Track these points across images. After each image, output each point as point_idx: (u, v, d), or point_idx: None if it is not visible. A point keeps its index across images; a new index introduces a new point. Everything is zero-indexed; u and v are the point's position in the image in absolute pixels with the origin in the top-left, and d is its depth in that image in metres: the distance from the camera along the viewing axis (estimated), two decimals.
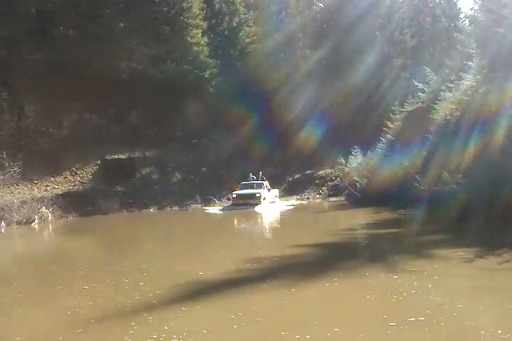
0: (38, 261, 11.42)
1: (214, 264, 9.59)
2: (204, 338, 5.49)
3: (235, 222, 18.87)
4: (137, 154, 26.37)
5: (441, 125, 16.40)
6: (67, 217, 21.39)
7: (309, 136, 25.86)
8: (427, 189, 14.47)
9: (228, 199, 24.61)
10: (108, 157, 25.81)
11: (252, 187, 23.32)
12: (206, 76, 29.30)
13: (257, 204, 21.96)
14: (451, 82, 17.45)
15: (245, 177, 24.73)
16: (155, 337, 5.51)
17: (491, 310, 5.86)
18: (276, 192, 24.60)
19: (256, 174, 25.04)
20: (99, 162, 25.65)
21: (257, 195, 22.51)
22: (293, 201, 24.40)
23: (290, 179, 26.52)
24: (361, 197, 18.77)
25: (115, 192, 23.78)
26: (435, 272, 7.61)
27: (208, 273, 8.60)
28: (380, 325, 5.46)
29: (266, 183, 23.85)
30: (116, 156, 26.05)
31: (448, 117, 16.42)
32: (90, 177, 25.00)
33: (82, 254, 12.34)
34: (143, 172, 25.74)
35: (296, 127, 26.09)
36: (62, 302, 7.25)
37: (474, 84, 16.23)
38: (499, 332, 5.06)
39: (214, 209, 22.71)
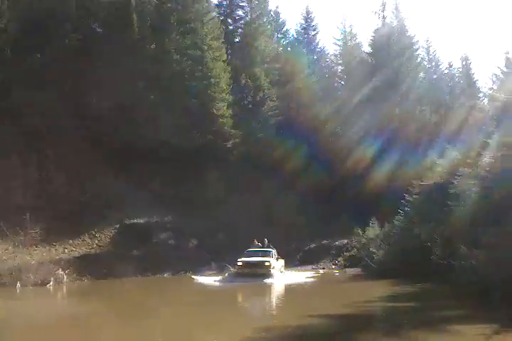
0: (52, 324, 11.42)
1: (229, 331, 9.55)
2: None
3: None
4: (155, 219, 26.74)
5: (460, 199, 16.48)
6: (82, 279, 21.37)
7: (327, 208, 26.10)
8: (445, 263, 14.31)
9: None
10: (127, 221, 26.19)
11: (259, 255, 21.05)
12: (228, 146, 30.35)
13: (265, 275, 19.60)
14: (470, 158, 17.79)
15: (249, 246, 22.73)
16: None
17: None
18: (282, 262, 22.42)
19: (261, 241, 23.23)
20: (117, 226, 26.02)
21: (267, 263, 20.13)
22: (309, 273, 22.42)
23: (306, 248, 26.29)
24: (378, 268, 18.52)
25: (131, 256, 23.83)
26: None
27: None
28: None
29: (274, 252, 21.86)
30: (135, 221, 26.43)
31: (467, 192, 16.57)
32: (108, 240, 25.23)
33: (97, 320, 12.29)
34: (160, 237, 25.94)
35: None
36: None
37: (493, 161, 16.54)
38: None
39: (207, 280, 20.63)
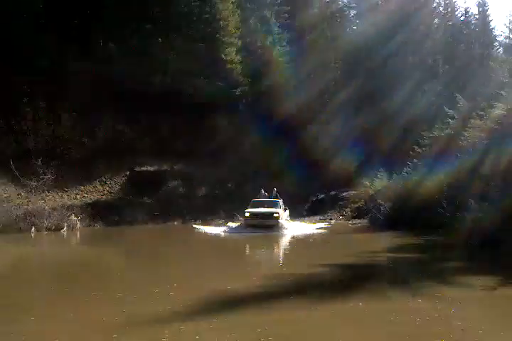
0: (69, 268, 11.94)
1: (241, 278, 9.98)
2: None
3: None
4: (165, 167, 27.06)
5: (469, 152, 16.56)
6: (94, 225, 22.03)
7: (341, 159, 26.05)
8: (451, 215, 14.61)
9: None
10: (137, 168, 26.55)
11: (267, 206, 20.77)
12: (237, 93, 30.02)
13: (274, 227, 19.46)
14: (482, 109, 17.65)
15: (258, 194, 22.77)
16: None
17: None
18: (287, 213, 21.90)
19: (269, 191, 23.21)
20: (128, 173, 26.40)
21: (275, 214, 19.85)
22: (320, 223, 22.37)
23: (314, 199, 26.58)
24: (385, 220, 18.90)
25: (142, 203, 24.38)
26: (459, 298, 7.85)
27: (235, 286, 8.96)
28: None
29: (281, 202, 21.57)
30: (145, 168, 26.77)
31: (476, 145, 16.63)
32: (119, 187, 25.73)
33: (112, 263, 12.87)
34: (169, 185, 26.31)
35: (329, 152, 26.43)
36: (99, 309, 7.69)
37: (505, 113, 16.46)
38: None
39: (214, 230, 20.40)
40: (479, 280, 8.91)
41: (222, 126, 28.70)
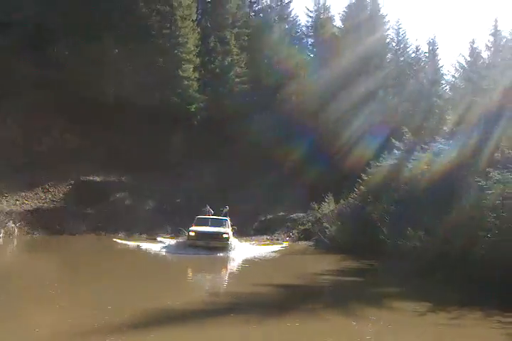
0: (4, 275, 11.55)
1: (182, 294, 10.00)
2: None
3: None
4: (112, 178, 26.60)
5: (412, 183, 17.34)
6: (33, 233, 21.30)
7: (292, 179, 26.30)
8: (391, 243, 15.18)
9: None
10: (83, 178, 25.94)
11: (212, 224, 19.12)
12: (192, 109, 30.15)
13: (222, 249, 17.85)
14: (426, 143, 18.59)
15: (202, 212, 21.39)
16: None
17: None
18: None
19: (215, 208, 21.85)
20: (73, 182, 25.75)
21: (225, 235, 18.12)
22: (275, 246, 21.09)
23: (262, 219, 26.65)
24: (329, 243, 19.34)
25: (85, 213, 23.76)
26: (390, 321, 8.20)
27: (175, 302, 8.98)
28: None
29: (228, 221, 20.01)
30: (91, 178, 26.23)
31: (419, 176, 17.43)
32: (62, 196, 24.99)
33: (48, 273, 12.54)
34: (116, 196, 25.86)
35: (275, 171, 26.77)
36: (42, 318, 7.55)
37: (446, 147, 17.44)
38: None
39: (149, 246, 19.09)
40: (411, 306, 9.32)
41: (175, 141, 28.58)
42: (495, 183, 12.19)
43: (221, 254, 17.70)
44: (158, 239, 21.65)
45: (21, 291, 9.67)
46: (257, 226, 26.04)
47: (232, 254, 17.92)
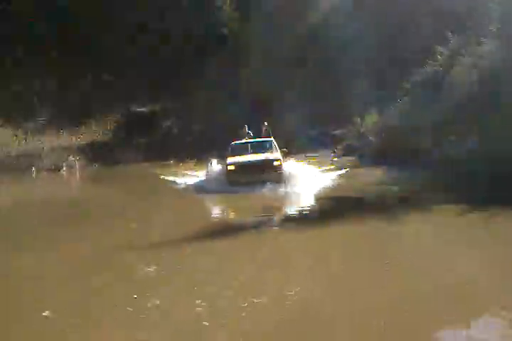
0: (73, 203, 12.76)
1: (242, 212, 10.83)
2: (216, 270, 6.79)
3: None
4: (158, 107, 27.25)
5: (457, 90, 16.94)
6: (93, 165, 22.59)
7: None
8: (437, 152, 15.26)
9: None
10: (132, 109, 26.85)
11: (254, 150, 15.14)
12: (226, 32, 29.65)
13: (275, 180, 13.48)
14: (471, 46, 17.83)
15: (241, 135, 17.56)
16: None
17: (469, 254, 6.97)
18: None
19: (255, 127, 18.30)
20: (123, 113, 26.70)
21: (276, 162, 13.96)
22: (338, 171, 16.87)
23: (304, 136, 26.30)
24: (374, 157, 19.38)
25: (137, 143, 24.83)
26: (432, 222, 8.71)
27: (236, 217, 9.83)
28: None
29: (274, 142, 15.92)
30: (140, 109, 27.08)
31: (464, 83, 16.94)
32: (115, 128, 26.14)
33: (114, 200, 13.71)
34: (163, 125, 26.67)
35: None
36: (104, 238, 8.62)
37: (494, 50, 16.70)
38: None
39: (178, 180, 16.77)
40: (454, 209, 9.62)
41: (212, 65, 28.19)
42: None
43: (272, 188, 13.28)
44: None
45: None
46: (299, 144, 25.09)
47: (290, 188, 13.49)
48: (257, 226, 9.16)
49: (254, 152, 15.08)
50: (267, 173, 13.86)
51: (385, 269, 6.40)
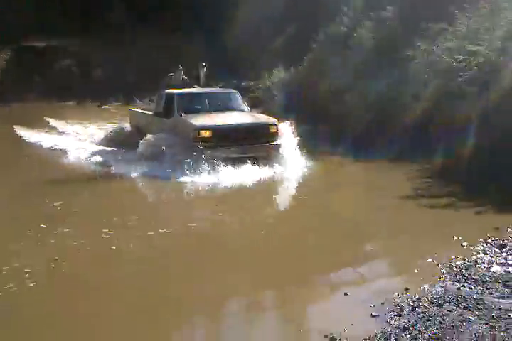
0: None
1: None
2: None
3: None
4: (57, 43, 26.21)
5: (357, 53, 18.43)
6: None
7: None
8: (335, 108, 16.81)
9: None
10: (24, 43, 25.64)
11: (218, 107, 11.48)
12: None
13: (273, 158, 10.38)
14: (373, 11, 19.34)
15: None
16: None
17: None
18: None
19: (189, 69, 14.56)
20: (14, 47, 25.48)
21: (272, 128, 10.55)
22: None
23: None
24: (278, 109, 20.54)
25: (33, 81, 24.03)
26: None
27: None
28: None
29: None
30: (34, 44, 25.89)
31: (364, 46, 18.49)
32: (4, 63, 24.96)
33: None
34: (62, 63, 25.89)
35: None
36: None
37: (391, 15, 18.38)
38: None
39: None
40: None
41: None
42: None
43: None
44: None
45: None
46: None
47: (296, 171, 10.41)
48: None
49: (217, 110, 11.22)
50: (258, 145, 10.28)
51: None
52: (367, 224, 7.54)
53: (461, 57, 12.17)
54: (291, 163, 10.57)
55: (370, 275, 5.78)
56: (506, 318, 4.42)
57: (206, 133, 10.05)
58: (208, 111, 11.18)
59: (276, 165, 10.42)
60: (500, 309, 4.59)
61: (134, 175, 10.17)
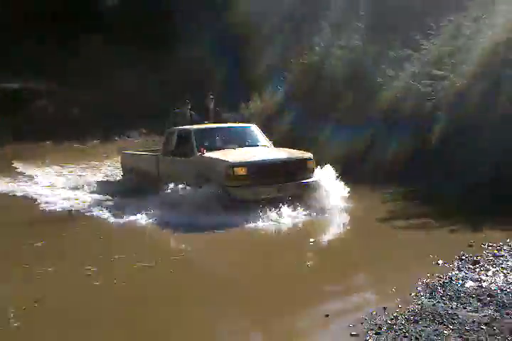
0: None
1: None
2: None
3: None
4: (32, 84, 26.47)
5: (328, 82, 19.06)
6: None
7: None
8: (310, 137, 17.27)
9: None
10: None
11: (242, 142, 10.78)
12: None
13: (311, 197, 9.64)
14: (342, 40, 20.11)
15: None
16: None
17: None
18: None
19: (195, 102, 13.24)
20: None
21: (309, 163, 9.84)
22: None
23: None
24: None
25: (7, 122, 23.99)
26: None
27: None
28: None
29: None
30: (8, 85, 26.07)
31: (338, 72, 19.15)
32: None
33: None
34: (38, 104, 26.06)
35: None
36: None
37: (361, 44, 19.11)
38: None
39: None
40: None
41: (96, 42, 27.68)
42: None
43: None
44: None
45: None
46: None
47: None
48: None
49: (240, 146, 10.45)
50: (295, 183, 9.46)
51: None
52: (344, 248, 7.88)
53: (428, 81, 12.84)
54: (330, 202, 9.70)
55: (350, 297, 6.01)
56: (478, 330, 4.67)
57: (242, 171, 9.10)
58: (230, 147, 10.28)
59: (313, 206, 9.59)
60: (473, 322, 4.85)
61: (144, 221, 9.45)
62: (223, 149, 10.17)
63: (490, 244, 7.24)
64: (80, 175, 16.13)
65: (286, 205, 9.16)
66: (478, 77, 11.47)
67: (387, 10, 18.73)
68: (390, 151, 12.59)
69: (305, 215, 9.34)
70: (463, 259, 6.66)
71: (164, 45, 26.96)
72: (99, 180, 14.48)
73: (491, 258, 6.62)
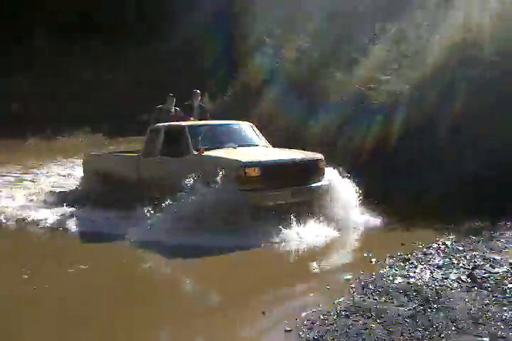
0: None
1: None
2: None
3: None
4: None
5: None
6: None
7: None
8: None
9: None
10: None
11: (238, 141, 9.72)
12: None
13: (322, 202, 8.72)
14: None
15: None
16: None
17: None
18: None
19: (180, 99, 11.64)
20: None
21: (321, 164, 8.85)
22: None
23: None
24: None
25: None
26: None
27: None
28: None
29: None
30: None
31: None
32: None
33: None
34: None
35: None
36: None
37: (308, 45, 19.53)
38: None
39: None
40: None
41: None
42: None
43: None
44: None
45: None
46: None
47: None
48: None
49: (239, 145, 9.43)
50: (308, 187, 8.57)
51: None
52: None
53: (372, 86, 13.35)
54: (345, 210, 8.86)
55: (286, 295, 6.34)
56: (403, 323, 5.06)
57: (254, 172, 7.96)
58: (229, 147, 9.21)
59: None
60: (399, 315, 5.23)
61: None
62: (223, 148, 9.12)
63: (420, 242, 7.77)
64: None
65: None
66: (427, 79, 12.00)
67: (339, 13, 19.22)
68: None
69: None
70: (395, 257, 7.13)
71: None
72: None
73: (420, 255, 7.10)
